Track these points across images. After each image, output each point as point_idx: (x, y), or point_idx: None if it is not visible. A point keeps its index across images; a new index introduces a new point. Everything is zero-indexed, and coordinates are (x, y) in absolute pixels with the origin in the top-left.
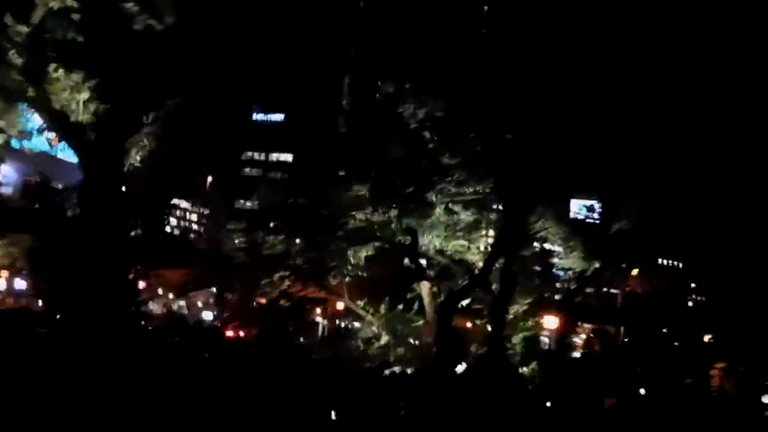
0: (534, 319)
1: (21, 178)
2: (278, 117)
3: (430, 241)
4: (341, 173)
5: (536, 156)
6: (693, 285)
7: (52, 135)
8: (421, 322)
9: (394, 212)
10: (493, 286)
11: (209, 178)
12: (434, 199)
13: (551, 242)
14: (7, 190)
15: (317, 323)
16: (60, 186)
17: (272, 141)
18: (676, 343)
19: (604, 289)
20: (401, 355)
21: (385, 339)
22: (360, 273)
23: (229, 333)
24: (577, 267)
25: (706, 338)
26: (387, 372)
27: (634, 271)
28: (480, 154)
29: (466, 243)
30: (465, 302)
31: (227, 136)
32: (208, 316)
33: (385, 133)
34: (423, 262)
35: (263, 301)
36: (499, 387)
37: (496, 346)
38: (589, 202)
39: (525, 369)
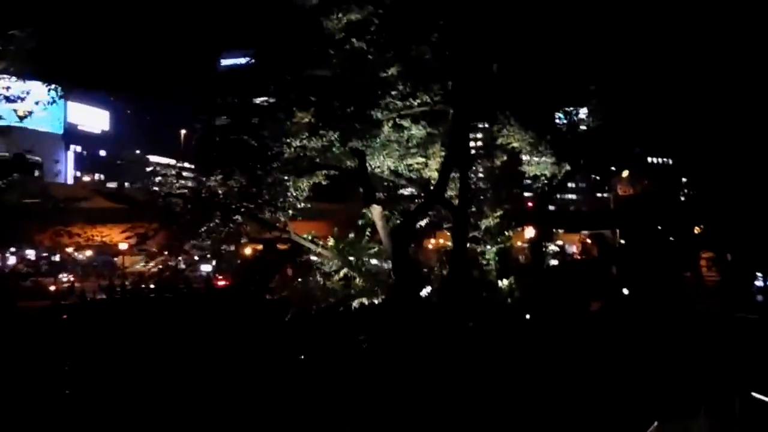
0: (507, 232)
1: None
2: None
3: (383, 162)
4: (271, 100)
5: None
6: (684, 180)
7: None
8: (375, 249)
9: (334, 135)
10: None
11: (182, 132)
12: (380, 116)
13: (521, 151)
14: None
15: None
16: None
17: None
18: (670, 239)
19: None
20: (362, 287)
21: (344, 272)
22: (303, 205)
23: (221, 282)
24: (546, 172)
25: (696, 230)
26: (353, 305)
27: (624, 173)
28: (424, 60)
29: (422, 159)
30: (423, 222)
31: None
32: (207, 268)
33: (313, 51)
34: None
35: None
36: (466, 306)
37: (458, 263)
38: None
39: (502, 283)
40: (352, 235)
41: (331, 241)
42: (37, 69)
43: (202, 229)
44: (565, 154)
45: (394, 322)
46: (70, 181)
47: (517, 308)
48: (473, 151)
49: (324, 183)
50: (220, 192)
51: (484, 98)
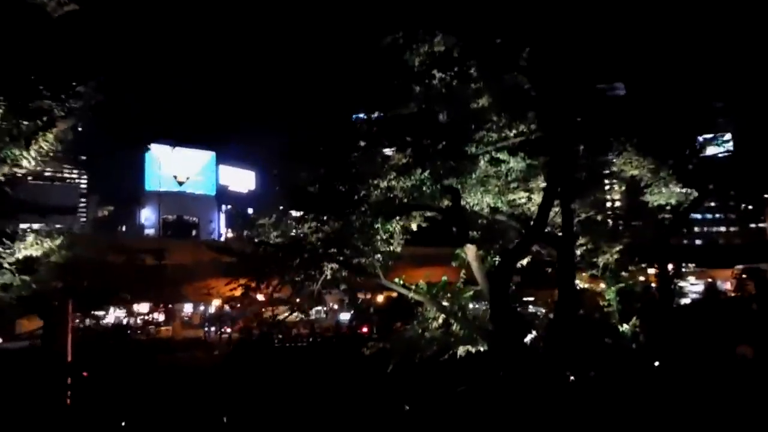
0: (630, 269)
1: (159, 217)
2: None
3: (480, 199)
4: (361, 143)
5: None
6: None
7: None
8: (470, 293)
9: (425, 174)
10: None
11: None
12: (474, 150)
13: (640, 179)
14: (150, 231)
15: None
16: (194, 219)
17: None
18: None
19: (752, 225)
20: (462, 334)
21: (442, 318)
22: (397, 248)
23: (364, 329)
24: (672, 201)
25: None
26: (459, 353)
27: None
28: (516, 87)
29: (525, 194)
30: (525, 261)
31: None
32: (345, 316)
33: (397, 87)
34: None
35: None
36: (577, 353)
37: (565, 305)
38: None
39: (625, 326)
40: (445, 278)
41: (422, 284)
42: (192, 136)
43: (298, 278)
44: (692, 180)
45: (495, 372)
46: (222, 238)
47: (643, 354)
48: (583, 181)
49: (423, 225)
50: (312, 239)
51: (590, 122)
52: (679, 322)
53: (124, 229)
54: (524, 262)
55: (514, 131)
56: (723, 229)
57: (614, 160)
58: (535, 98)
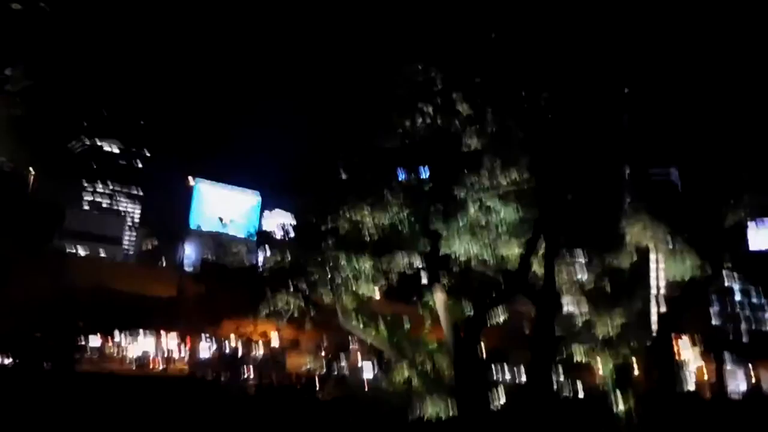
0: (631, 344)
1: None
2: None
3: (467, 249)
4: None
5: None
6: None
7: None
8: (434, 345)
9: (402, 213)
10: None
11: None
12: (463, 195)
13: (653, 249)
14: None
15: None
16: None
17: None
18: None
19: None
20: (421, 390)
21: (407, 371)
22: (360, 290)
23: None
24: (685, 275)
25: None
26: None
27: None
28: (512, 129)
29: (518, 251)
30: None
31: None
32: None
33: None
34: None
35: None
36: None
37: (536, 377)
38: None
39: (619, 406)
40: (407, 325)
41: (381, 328)
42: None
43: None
44: (709, 252)
45: None
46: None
47: None
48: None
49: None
50: (270, 265)
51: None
52: (677, 411)
53: (164, 263)
54: (501, 318)
55: (506, 179)
56: None
57: (626, 228)
58: (527, 143)
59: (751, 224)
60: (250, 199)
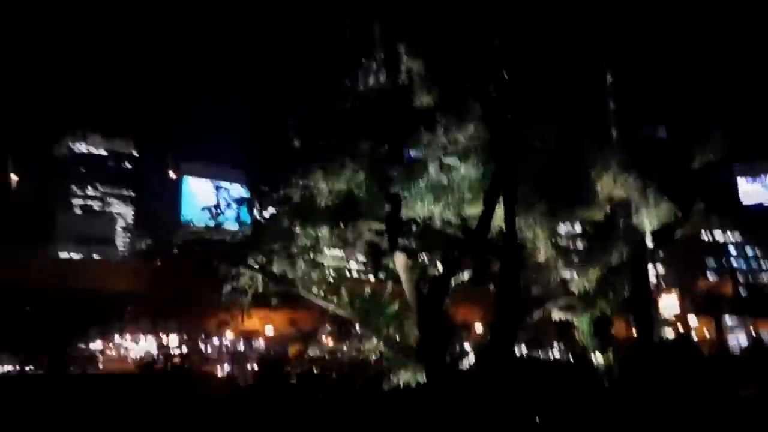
0: (608, 296)
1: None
2: None
3: (430, 210)
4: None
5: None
6: None
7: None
8: (396, 308)
9: (360, 176)
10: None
11: None
12: (420, 154)
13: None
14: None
15: None
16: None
17: None
18: None
19: None
20: (391, 357)
21: (375, 339)
22: (313, 257)
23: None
24: (662, 219)
25: None
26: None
27: None
28: (467, 84)
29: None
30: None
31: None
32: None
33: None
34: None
35: None
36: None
37: (503, 326)
38: None
39: (599, 359)
40: (368, 290)
41: (345, 298)
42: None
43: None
44: (681, 195)
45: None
46: None
47: (619, 391)
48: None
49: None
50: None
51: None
52: (664, 358)
53: (159, 262)
54: (466, 277)
55: (463, 134)
56: None
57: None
58: (477, 94)
59: (741, 179)
60: (240, 190)
